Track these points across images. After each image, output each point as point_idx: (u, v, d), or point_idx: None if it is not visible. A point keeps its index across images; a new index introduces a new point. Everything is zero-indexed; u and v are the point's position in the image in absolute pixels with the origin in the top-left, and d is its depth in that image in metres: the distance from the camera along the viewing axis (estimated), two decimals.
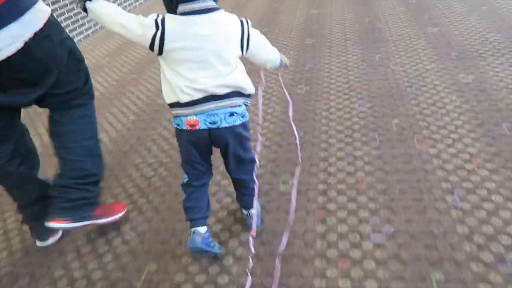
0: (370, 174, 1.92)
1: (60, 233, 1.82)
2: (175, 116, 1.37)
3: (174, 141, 2.06)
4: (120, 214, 1.83)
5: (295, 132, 1.84)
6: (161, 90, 1.39)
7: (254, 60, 1.47)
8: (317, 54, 3.42)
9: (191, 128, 1.34)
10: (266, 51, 1.47)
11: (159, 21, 1.25)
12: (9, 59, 1.31)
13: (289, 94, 1.95)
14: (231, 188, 1.87)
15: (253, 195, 1.57)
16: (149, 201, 1.98)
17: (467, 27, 3.48)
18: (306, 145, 2.21)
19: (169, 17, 1.26)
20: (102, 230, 1.82)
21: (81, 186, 1.62)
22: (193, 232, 1.48)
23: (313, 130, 2.33)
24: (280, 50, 1.59)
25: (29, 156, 1.69)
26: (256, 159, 1.58)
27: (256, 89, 1.51)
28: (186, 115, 1.33)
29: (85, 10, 1.30)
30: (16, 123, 1.64)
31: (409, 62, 2.99)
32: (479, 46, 3.08)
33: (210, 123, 1.33)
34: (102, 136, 2.67)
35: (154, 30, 1.24)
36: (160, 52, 1.27)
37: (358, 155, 2.06)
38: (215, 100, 1.31)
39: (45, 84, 1.47)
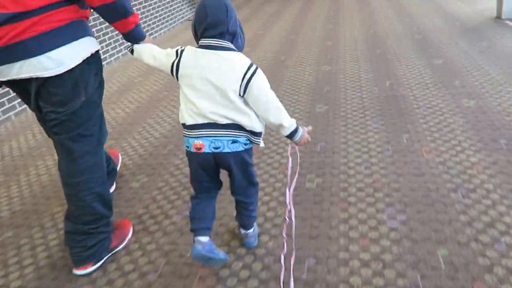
0: None
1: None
2: (185, 137, 1.51)
3: None
4: (130, 234, 1.98)
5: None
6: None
7: (257, 113, 1.48)
8: (330, 128, 2.83)
9: (197, 151, 1.47)
10: (266, 108, 1.45)
11: (179, 51, 1.48)
12: (63, 74, 1.53)
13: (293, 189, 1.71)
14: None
15: (251, 217, 1.73)
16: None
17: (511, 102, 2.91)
18: (318, 285, 1.57)
19: (188, 48, 1.47)
20: None
21: (96, 230, 1.74)
22: (195, 241, 1.54)
23: (328, 257, 1.69)
24: None
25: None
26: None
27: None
28: (193, 138, 1.47)
29: (132, 52, 1.67)
30: None
31: (447, 150, 2.39)
32: None
33: (214, 148, 1.46)
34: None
35: (174, 57, 1.48)
36: (176, 76, 1.48)
37: None
38: (218, 128, 1.44)
39: (71, 105, 1.61)
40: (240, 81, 1.39)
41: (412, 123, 2.77)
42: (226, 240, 1.87)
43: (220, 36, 1.41)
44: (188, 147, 1.51)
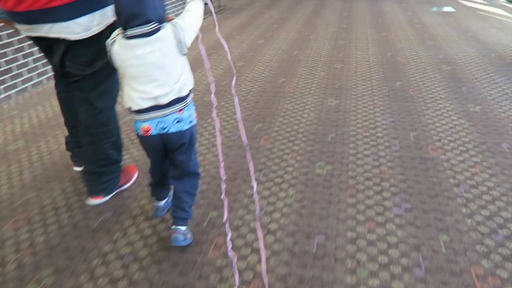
0: None
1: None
2: (134, 121, 1.60)
3: None
4: (135, 176, 2.28)
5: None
6: None
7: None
8: (332, 210, 1.99)
9: (145, 134, 1.58)
10: (197, 23, 1.61)
11: (109, 43, 1.50)
12: (90, 38, 1.70)
13: None
14: None
15: (186, 211, 1.73)
16: None
17: None
18: None
19: (117, 41, 1.48)
20: None
21: (109, 170, 2.04)
22: (156, 207, 1.93)
23: None
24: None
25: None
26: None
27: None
28: (140, 121, 1.56)
29: None
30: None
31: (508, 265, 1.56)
32: None
33: (161, 128, 1.55)
34: None
35: (108, 49, 1.51)
36: (115, 67, 1.55)
37: None
38: (162, 108, 1.53)
39: (96, 65, 1.80)
40: (177, 46, 1.49)
41: (450, 213, 1.94)
42: None
43: (141, 25, 1.43)
44: (137, 130, 1.59)
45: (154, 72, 1.47)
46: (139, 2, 1.40)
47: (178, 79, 1.52)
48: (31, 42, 1.95)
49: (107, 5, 1.70)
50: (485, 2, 7.66)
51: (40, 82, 3.93)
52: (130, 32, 1.43)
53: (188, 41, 1.54)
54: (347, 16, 6.83)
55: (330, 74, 3.97)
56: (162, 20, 1.47)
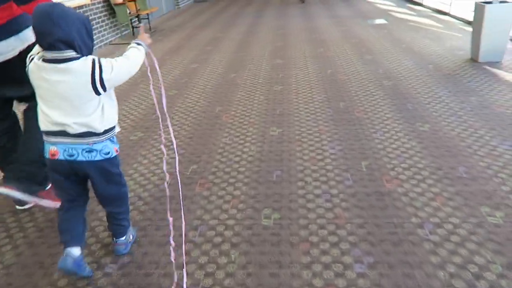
0: None
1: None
2: (44, 142, 1.53)
3: None
4: (55, 205, 1.96)
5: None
6: None
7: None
8: (282, 259, 1.64)
9: (51, 158, 1.51)
10: (128, 72, 1.56)
11: (28, 60, 1.48)
12: (7, 62, 1.85)
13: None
14: None
15: (122, 225, 1.78)
16: None
17: None
18: None
19: (34, 61, 1.45)
20: None
21: (34, 164, 1.98)
22: (66, 254, 1.57)
23: None
24: None
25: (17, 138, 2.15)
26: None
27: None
28: (48, 144, 1.51)
29: None
30: (8, 111, 2.16)
31: None
32: None
33: (68, 155, 1.49)
34: None
35: (27, 64, 1.50)
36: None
37: None
38: (70, 137, 1.47)
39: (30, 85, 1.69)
40: (91, 86, 1.43)
41: (419, 265, 1.66)
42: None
43: (54, 47, 1.39)
44: (45, 152, 1.53)
45: (60, 102, 1.44)
46: (50, 20, 1.37)
47: (89, 114, 1.46)
48: None
49: (21, 31, 1.86)
50: (414, 13, 7.86)
51: None
52: (46, 54, 1.42)
53: (108, 84, 1.46)
54: (282, 33, 6.66)
55: (270, 98, 3.68)
56: (85, 50, 1.44)
